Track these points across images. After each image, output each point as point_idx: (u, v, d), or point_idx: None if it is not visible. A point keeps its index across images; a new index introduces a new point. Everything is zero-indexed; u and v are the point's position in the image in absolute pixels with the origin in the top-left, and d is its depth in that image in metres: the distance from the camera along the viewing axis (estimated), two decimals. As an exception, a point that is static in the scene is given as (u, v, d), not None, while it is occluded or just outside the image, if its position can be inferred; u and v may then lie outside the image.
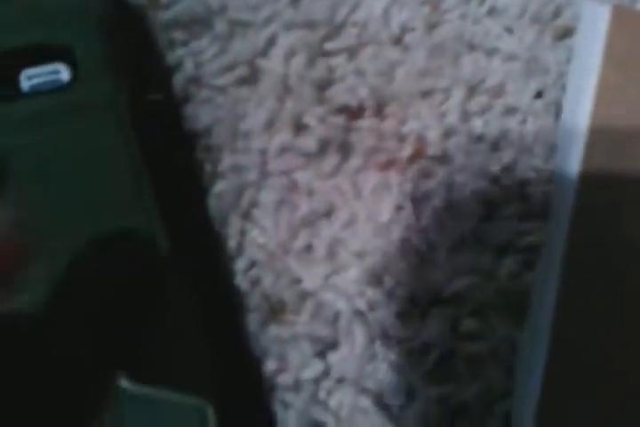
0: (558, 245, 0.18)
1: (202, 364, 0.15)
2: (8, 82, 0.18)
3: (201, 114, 0.20)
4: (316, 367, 0.17)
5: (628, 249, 0.19)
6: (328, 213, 0.20)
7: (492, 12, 0.24)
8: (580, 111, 0.21)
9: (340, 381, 0.18)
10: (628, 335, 0.18)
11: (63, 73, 0.18)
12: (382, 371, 0.18)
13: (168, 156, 0.19)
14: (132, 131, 0.17)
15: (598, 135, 0.20)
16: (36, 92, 0.18)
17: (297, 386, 0.17)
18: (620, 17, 0.23)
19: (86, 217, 0.16)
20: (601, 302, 0.18)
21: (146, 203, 0.16)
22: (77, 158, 0.16)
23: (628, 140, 0.20)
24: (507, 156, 0.21)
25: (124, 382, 0.14)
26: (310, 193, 0.20)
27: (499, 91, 0.22)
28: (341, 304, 0.18)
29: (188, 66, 0.21)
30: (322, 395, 0.17)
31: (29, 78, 0.18)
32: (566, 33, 0.23)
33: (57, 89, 0.18)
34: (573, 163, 0.20)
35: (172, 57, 0.21)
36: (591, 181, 0.20)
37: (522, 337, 0.18)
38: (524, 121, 0.22)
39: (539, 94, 0.22)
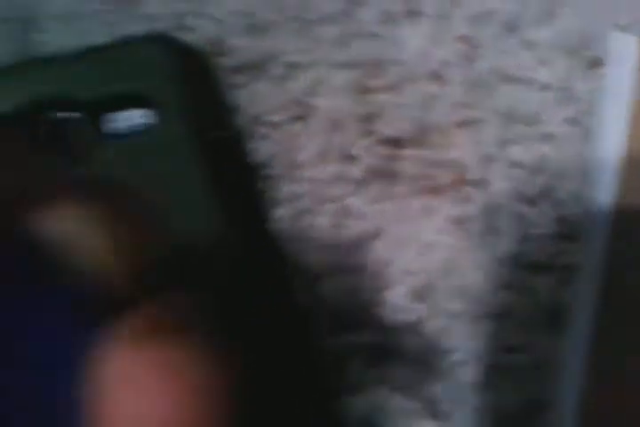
0: (594, 267, 0.20)
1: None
2: (92, 127, 0.21)
3: (260, 148, 0.22)
4: (372, 375, 0.19)
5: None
6: (376, 235, 0.22)
7: (527, 45, 0.25)
8: (613, 139, 0.22)
9: (394, 389, 0.19)
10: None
11: (143, 117, 0.21)
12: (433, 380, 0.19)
13: (236, 186, 0.21)
14: (207, 166, 0.20)
15: (631, 164, 0.22)
16: (118, 136, 0.20)
17: (355, 392, 0.19)
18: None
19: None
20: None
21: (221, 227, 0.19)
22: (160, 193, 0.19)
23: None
24: (543, 180, 0.22)
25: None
26: (360, 217, 0.22)
27: (534, 119, 0.24)
28: (392, 316, 0.20)
29: (248, 106, 0.23)
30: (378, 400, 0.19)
31: (112, 123, 0.21)
32: (596, 63, 0.25)
33: (138, 132, 0.20)
34: (607, 190, 0.21)
35: (233, 98, 0.23)
36: (625, 208, 0.21)
37: (561, 350, 0.19)
38: (559, 147, 0.23)
39: (572, 122, 0.23)
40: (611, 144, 0.22)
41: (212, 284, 0.17)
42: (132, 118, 0.21)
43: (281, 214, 0.21)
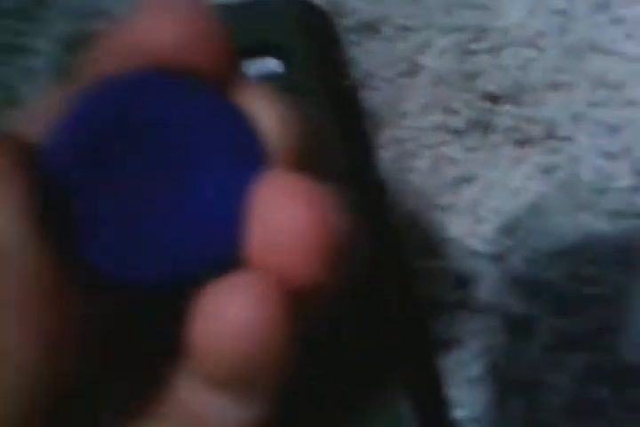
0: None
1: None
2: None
3: (372, 98, 0.25)
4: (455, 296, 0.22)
5: None
6: (469, 180, 0.25)
7: (615, 21, 0.28)
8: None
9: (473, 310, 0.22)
10: None
11: (276, 66, 0.24)
12: (513, 304, 0.22)
13: (352, 129, 0.24)
14: (334, 111, 0.23)
15: None
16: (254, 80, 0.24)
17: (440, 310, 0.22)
18: None
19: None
20: None
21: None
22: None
23: None
24: (626, 139, 0.25)
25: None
26: (455, 163, 0.25)
27: (620, 86, 0.26)
28: (480, 248, 0.23)
29: (363, 61, 0.26)
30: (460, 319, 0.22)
31: (246, 71, 0.24)
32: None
33: (269, 79, 0.23)
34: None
35: (350, 53, 0.26)
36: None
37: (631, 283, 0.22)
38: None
39: (656, 89, 0.26)
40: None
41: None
42: (264, 67, 0.24)
43: (383, 157, 0.24)
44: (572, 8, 0.28)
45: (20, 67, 0.24)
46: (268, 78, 0.24)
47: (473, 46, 0.27)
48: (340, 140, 0.22)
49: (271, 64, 0.24)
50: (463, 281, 0.23)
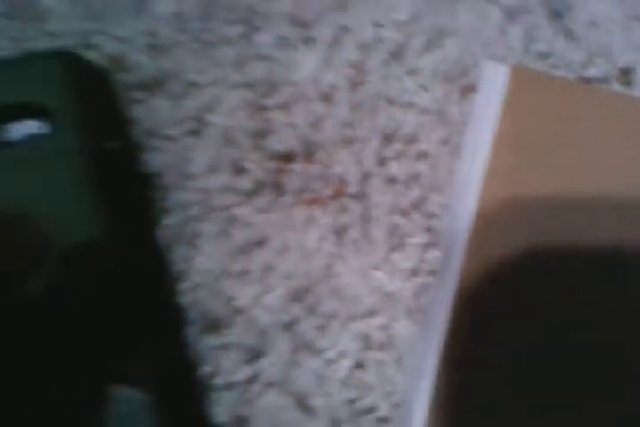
0: (450, 274, 0.22)
1: (148, 365, 0.19)
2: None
3: (153, 159, 0.23)
4: (245, 372, 0.20)
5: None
6: (262, 243, 0.23)
7: (410, 72, 0.28)
8: (477, 159, 0.25)
9: (268, 385, 0.21)
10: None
11: (38, 127, 0.22)
12: (305, 377, 0.21)
13: (126, 193, 0.22)
14: (98, 173, 0.21)
15: (492, 181, 0.24)
16: (11, 144, 0.21)
17: (229, 387, 0.20)
18: (519, 76, 0.27)
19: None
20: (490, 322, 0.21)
21: (104, 230, 0.20)
22: (49, 197, 0.20)
23: (520, 183, 0.24)
24: (416, 194, 0.24)
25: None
26: (247, 225, 0.23)
27: (411, 139, 0.26)
28: (268, 318, 0.21)
29: (145, 119, 0.24)
30: (251, 396, 0.20)
31: (7, 133, 0.22)
32: (472, 89, 0.27)
33: (36, 141, 0.21)
34: (469, 203, 0.24)
35: (132, 112, 0.24)
36: (485, 224, 0.23)
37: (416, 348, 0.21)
38: (434, 165, 0.25)
39: (445, 142, 0.26)
40: (475, 163, 0.24)
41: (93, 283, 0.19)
42: (27, 128, 0.22)
43: (168, 223, 0.22)
44: (366, 59, 0.27)
45: None
46: (33, 140, 0.21)
47: (264, 102, 0.26)
48: (109, 207, 0.20)
49: (36, 125, 0.22)
50: (253, 356, 0.21)
